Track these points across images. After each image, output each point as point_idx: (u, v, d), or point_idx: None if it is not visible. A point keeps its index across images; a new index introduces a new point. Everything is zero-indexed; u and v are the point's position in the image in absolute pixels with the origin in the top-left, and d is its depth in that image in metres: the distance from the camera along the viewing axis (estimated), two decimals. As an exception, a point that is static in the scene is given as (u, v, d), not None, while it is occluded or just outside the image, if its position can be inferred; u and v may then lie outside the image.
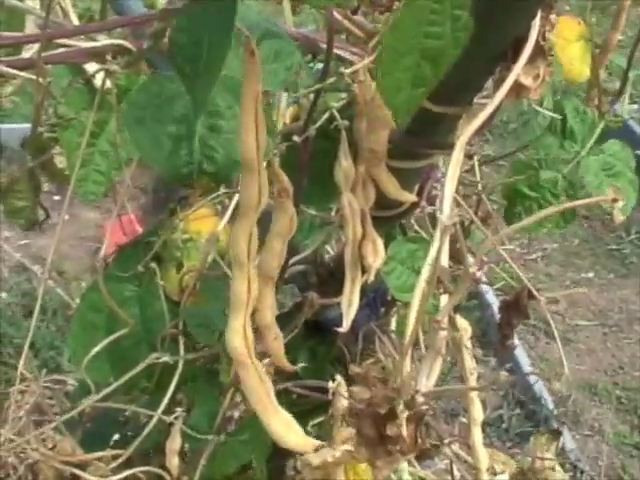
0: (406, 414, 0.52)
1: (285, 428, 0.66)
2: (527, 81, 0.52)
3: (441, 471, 1.21)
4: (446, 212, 0.43)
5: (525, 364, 2.81)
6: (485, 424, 2.80)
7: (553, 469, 1.22)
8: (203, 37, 0.55)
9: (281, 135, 0.77)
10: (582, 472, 2.48)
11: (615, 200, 0.45)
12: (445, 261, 0.48)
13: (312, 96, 0.71)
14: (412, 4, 0.45)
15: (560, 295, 3.02)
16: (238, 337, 0.63)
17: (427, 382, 0.53)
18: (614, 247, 3.51)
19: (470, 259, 0.43)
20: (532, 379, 2.75)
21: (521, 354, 2.83)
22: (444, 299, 0.49)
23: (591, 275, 3.40)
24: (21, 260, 3.13)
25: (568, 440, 2.56)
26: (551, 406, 2.68)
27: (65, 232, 3.31)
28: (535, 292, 0.97)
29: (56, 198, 2.53)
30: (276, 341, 0.76)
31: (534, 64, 0.52)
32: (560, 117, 1.10)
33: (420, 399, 0.52)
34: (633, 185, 1.08)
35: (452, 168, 0.47)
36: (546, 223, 1.07)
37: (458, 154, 0.48)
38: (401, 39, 0.46)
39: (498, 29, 0.54)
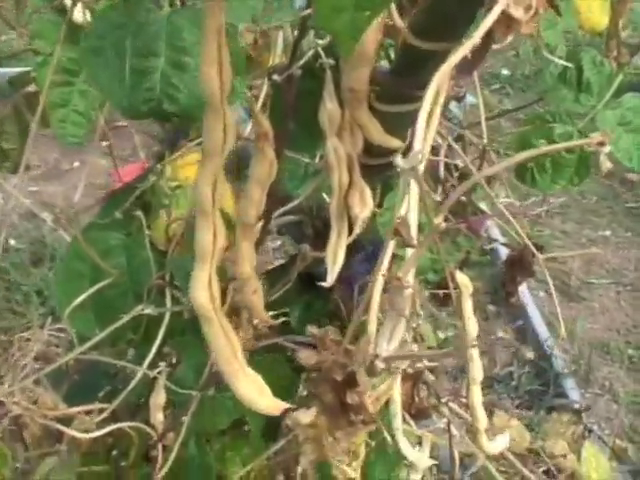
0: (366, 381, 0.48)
1: (253, 390, 0.62)
2: (517, 13, 0.47)
3: (440, 430, 1.17)
4: (417, 150, 0.38)
5: (537, 321, 2.77)
6: (494, 381, 2.80)
7: (565, 456, 1.18)
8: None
9: (267, 75, 0.72)
10: (590, 431, 2.45)
11: (601, 143, 0.40)
12: (414, 213, 0.43)
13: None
14: None
15: (573, 254, 2.98)
16: (203, 291, 0.59)
17: (388, 346, 0.48)
18: (632, 205, 3.46)
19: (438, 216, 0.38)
20: (543, 337, 2.72)
21: (533, 311, 2.79)
22: (409, 253, 0.45)
23: (608, 233, 3.35)
24: (30, 207, 3.10)
25: (578, 399, 2.53)
26: (562, 365, 2.64)
27: (75, 179, 3.28)
28: (535, 250, 0.93)
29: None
30: (255, 295, 0.72)
31: (525, -9, 0.47)
32: (575, 68, 1.04)
33: (380, 365, 0.48)
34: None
35: (426, 103, 0.42)
36: (559, 180, 1.01)
37: (434, 88, 0.43)
38: None
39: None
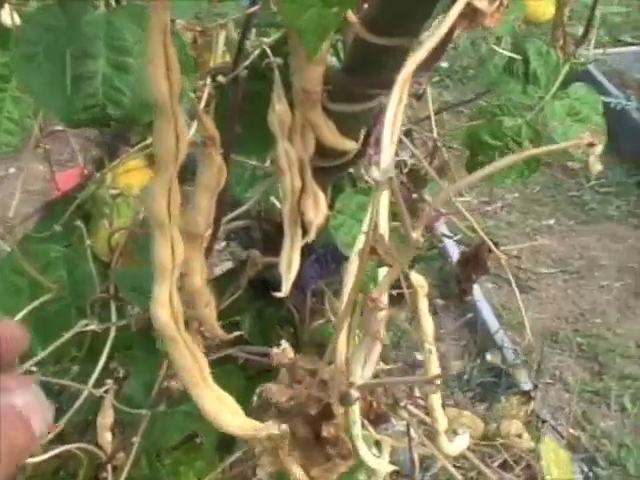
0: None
1: (221, 409, 0.58)
2: (482, 4, 0.44)
3: (399, 433, 1.15)
4: (384, 165, 0.35)
5: (486, 313, 2.76)
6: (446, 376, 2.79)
7: (520, 436, 1.17)
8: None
9: (211, 76, 0.68)
10: (544, 422, 2.45)
11: (592, 144, 0.38)
12: (384, 226, 0.40)
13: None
14: None
15: (521, 246, 2.99)
16: (164, 309, 0.55)
17: (364, 372, 0.45)
18: (574, 194, 3.47)
19: (413, 224, 0.35)
20: (493, 329, 2.71)
21: (482, 303, 2.78)
22: (382, 272, 0.41)
23: (552, 222, 3.36)
24: (-35, 216, 3.02)
25: (529, 388, 2.53)
26: (513, 356, 2.64)
27: (11, 186, 3.19)
28: (494, 247, 0.90)
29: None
30: (208, 308, 0.68)
31: (490, -17, 0.44)
32: (522, 59, 1.02)
33: (355, 394, 0.44)
34: (601, 130, 1.01)
35: (391, 109, 0.39)
36: (510, 173, 0.99)
37: (399, 91, 0.39)
38: None
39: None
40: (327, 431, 0.45)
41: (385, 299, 0.43)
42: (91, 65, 0.58)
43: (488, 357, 2.18)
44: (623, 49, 3.85)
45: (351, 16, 0.54)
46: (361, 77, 0.61)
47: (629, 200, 3.38)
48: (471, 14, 0.44)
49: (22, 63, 0.59)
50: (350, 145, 0.67)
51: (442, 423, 0.94)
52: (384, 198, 0.38)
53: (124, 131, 0.95)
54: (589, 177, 3.50)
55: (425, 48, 0.40)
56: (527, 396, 1.44)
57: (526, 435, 1.35)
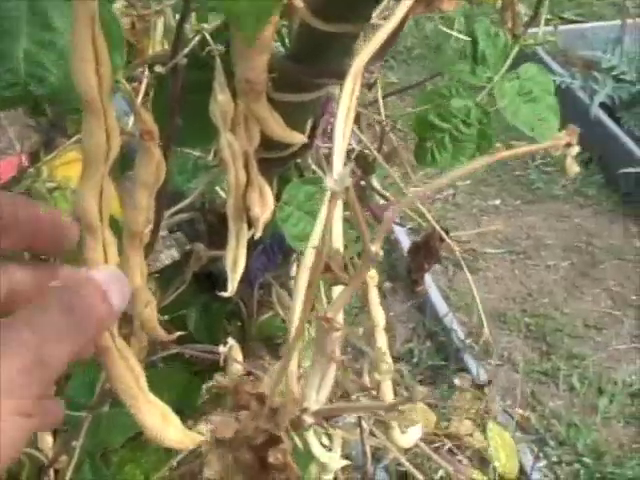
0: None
1: (161, 422, 0.55)
2: (438, -13, 0.41)
3: (350, 425, 1.12)
4: (336, 173, 0.32)
5: (435, 295, 2.75)
6: (395, 359, 2.78)
7: (471, 435, 1.15)
8: None
9: (148, 65, 0.64)
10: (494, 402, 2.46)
11: (569, 144, 0.35)
12: (338, 240, 0.37)
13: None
14: None
15: (472, 232, 2.99)
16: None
17: (318, 397, 0.42)
18: (521, 173, 3.48)
19: (371, 241, 0.32)
20: (442, 311, 2.70)
21: (430, 285, 2.77)
22: (336, 290, 0.39)
23: (498, 202, 3.36)
24: None
25: (480, 372, 2.53)
26: (462, 337, 2.64)
27: (-51, 174, 3.11)
28: (447, 237, 0.88)
29: None
30: (148, 308, 0.65)
31: (446, -34, 0.41)
32: (470, 40, 0.99)
33: (309, 419, 0.42)
34: (553, 110, 0.99)
35: (343, 105, 0.36)
36: (460, 156, 0.97)
37: (351, 85, 0.36)
38: None
39: None
40: (274, 457, 0.42)
41: (340, 318, 0.40)
42: (12, 42, 0.54)
43: (457, 382, 2.15)
44: (567, 27, 3.86)
45: (297, 1, 0.50)
46: (308, 65, 0.57)
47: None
48: (426, -1, 0.42)
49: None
50: (298, 138, 0.64)
51: (393, 417, 0.92)
52: (338, 209, 0.35)
53: (60, 121, 0.91)
54: (534, 156, 3.50)
55: (378, 38, 0.37)
56: (481, 390, 1.43)
57: (477, 434, 1.34)
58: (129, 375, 0.54)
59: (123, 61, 0.52)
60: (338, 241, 0.38)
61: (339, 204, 0.35)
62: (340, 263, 0.35)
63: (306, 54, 0.58)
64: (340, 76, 0.57)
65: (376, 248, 0.32)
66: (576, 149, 0.36)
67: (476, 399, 1.66)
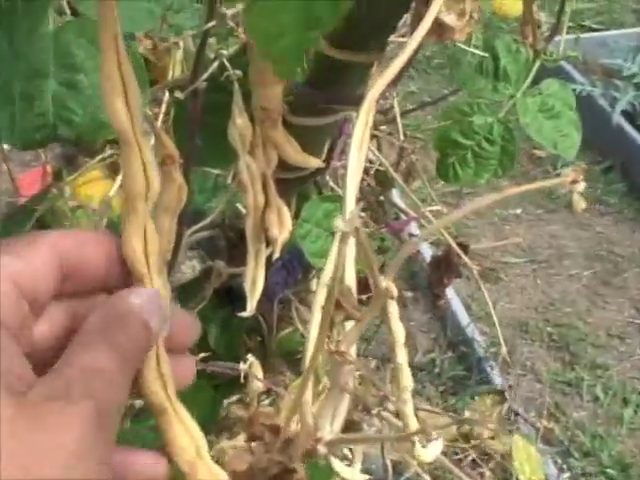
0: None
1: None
2: (450, 19, 0.41)
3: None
4: (348, 211, 0.32)
5: (456, 305, 2.75)
6: (416, 369, 2.77)
7: (493, 438, 1.15)
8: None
9: (169, 89, 0.65)
10: (517, 414, 2.45)
11: (574, 182, 0.36)
12: (351, 277, 0.37)
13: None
14: None
15: (493, 245, 2.98)
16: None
17: (332, 427, 0.43)
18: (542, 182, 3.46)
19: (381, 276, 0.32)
20: (464, 321, 2.70)
21: (452, 296, 2.77)
22: (348, 325, 0.39)
23: (519, 211, 3.35)
24: None
25: (500, 381, 2.52)
26: (484, 347, 2.63)
27: (-26, 186, 3.14)
28: (462, 254, 0.89)
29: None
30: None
31: (458, -3, 0.42)
32: (491, 56, 1.00)
33: (323, 450, 0.42)
34: (575, 125, 0.99)
35: (358, 128, 0.36)
36: (483, 173, 0.97)
37: (366, 110, 0.37)
38: None
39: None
40: (290, 486, 0.42)
41: (353, 351, 0.41)
42: (40, 84, 0.55)
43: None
44: (587, 35, 3.85)
45: (313, 31, 0.51)
46: (324, 91, 0.58)
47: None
48: (439, 30, 0.42)
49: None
50: (314, 162, 0.65)
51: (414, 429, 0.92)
52: (350, 247, 0.35)
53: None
54: (555, 165, 3.49)
55: (392, 70, 0.37)
56: (501, 396, 1.43)
57: (498, 439, 1.34)
58: (187, 440, 0.51)
59: (146, 99, 0.53)
60: (350, 278, 0.39)
61: (351, 245, 0.36)
62: (352, 300, 0.35)
63: (322, 80, 0.59)
64: (355, 101, 0.58)
65: (387, 284, 0.32)
66: (582, 186, 0.36)
67: (496, 405, 1.66)
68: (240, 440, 0.84)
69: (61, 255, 0.47)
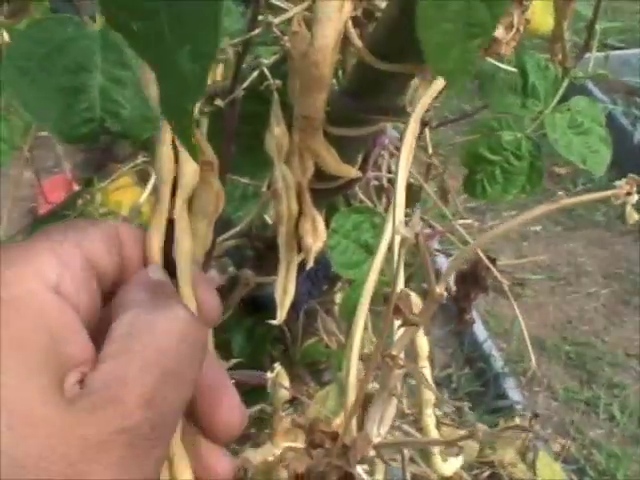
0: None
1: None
2: (498, 32, 0.41)
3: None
4: (398, 218, 0.32)
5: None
6: (434, 384, 2.76)
7: (515, 465, 1.15)
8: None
9: (208, 98, 0.65)
10: (537, 437, 2.44)
11: (629, 193, 0.36)
12: (400, 284, 0.37)
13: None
14: None
15: (519, 262, 2.97)
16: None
17: (379, 430, 0.43)
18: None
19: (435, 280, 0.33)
20: (481, 336, 2.69)
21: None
22: (400, 330, 0.39)
23: (538, 228, 3.35)
24: (-52, 222, 2.97)
25: (518, 399, 2.52)
26: (500, 364, 2.63)
27: (-3, 192, 3.16)
28: (492, 266, 0.89)
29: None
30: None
31: (506, 10, 0.41)
32: (520, 73, 1.00)
33: (371, 452, 0.42)
34: (604, 142, 0.99)
35: (406, 142, 0.36)
36: (511, 189, 0.97)
37: (414, 123, 0.37)
38: None
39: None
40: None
41: (402, 357, 0.41)
42: (87, 78, 0.56)
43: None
44: (610, 53, 3.84)
45: (357, 42, 0.51)
46: (365, 102, 0.58)
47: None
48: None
49: (15, 78, 0.56)
50: (353, 172, 0.65)
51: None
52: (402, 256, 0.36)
53: (112, 147, 0.93)
54: (576, 182, 3.49)
55: (440, 83, 0.38)
56: (526, 421, 1.42)
57: (521, 465, 1.33)
58: None
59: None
60: (402, 283, 0.39)
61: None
62: (410, 305, 0.36)
63: (362, 90, 0.59)
64: (393, 112, 0.59)
65: (440, 290, 0.33)
66: (635, 197, 0.36)
67: (520, 431, 1.64)
68: (267, 450, 0.85)
69: (121, 244, 0.45)
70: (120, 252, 0.45)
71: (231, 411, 0.45)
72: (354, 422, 0.42)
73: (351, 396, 0.42)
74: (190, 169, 0.49)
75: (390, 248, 0.39)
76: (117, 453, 0.36)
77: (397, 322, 0.37)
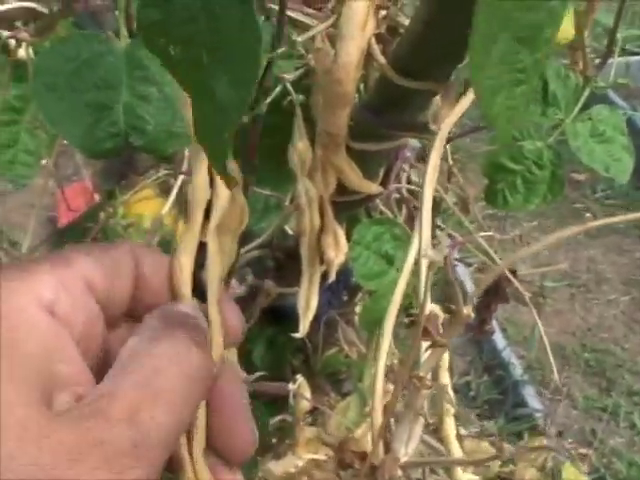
0: None
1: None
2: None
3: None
4: (424, 238, 0.33)
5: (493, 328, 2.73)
6: (452, 391, 2.75)
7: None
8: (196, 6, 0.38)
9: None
10: (551, 437, 2.43)
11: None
12: (427, 305, 0.38)
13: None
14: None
15: (540, 270, 2.96)
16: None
17: (407, 449, 0.43)
18: (580, 206, 3.45)
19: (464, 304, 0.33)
20: (499, 344, 2.69)
21: (488, 318, 2.75)
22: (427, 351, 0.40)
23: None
24: (-32, 230, 3.00)
25: (536, 404, 2.51)
26: (519, 372, 2.62)
27: (16, 200, 3.17)
28: (513, 278, 0.89)
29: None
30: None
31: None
32: (540, 81, 1.00)
33: (398, 472, 0.42)
34: (627, 150, 0.99)
35: (432, 164, 0.37)
36: (533, 198, 0.97)
37: (439, 145, 0.37)
38: (489, 21, 0.31)
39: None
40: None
41: (429, 378, 0.41)
42: (113, 95, 0.57)
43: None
44: (629, 58, 3.83)
45: (381, 59, 0.52)
46: (387, 117, 0.59)
47: (635, 212, 3.35)
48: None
49: (43, 93, 0.57)
50: (375, 188, 0.65)
51: (457, 454, 0.92)
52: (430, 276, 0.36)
53: (133, 159, 0.93)
54: (595, 189, 3.48)
55: (466, 101, 0.38)
56: (549, 437, 1.42)
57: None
58: None
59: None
60: (430, 304, 0.39)
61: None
62: (437, 326, 0.36)
63: (384, 106, 0.59)
64: (415, 128, 0.59)
65: (468, 311, 0.33)
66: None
67: (542, 449, 1.64)
68: (289, 461, 0.85)
69: (138, 268, 0.45)
70: (134, 275, 0.45)
71: (244, 435, 0.45)
72: (396, 444, 0.42)
73: (378, 418, 0.42)
74: (225, 193, 0.49)
75: (415, 263, 0.39)
76: (91, 464, 0.35)
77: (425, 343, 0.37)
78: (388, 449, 0.43)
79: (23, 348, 0.37)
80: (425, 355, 0.40)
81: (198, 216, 0.48)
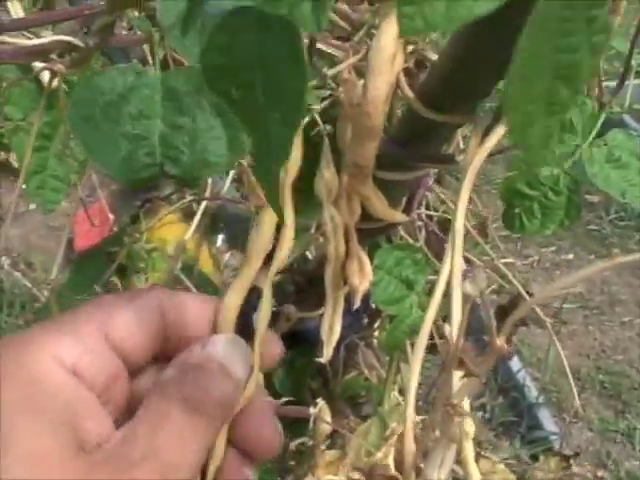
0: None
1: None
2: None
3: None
4: (456, 270, 0.34)
5: (507, 350, 2.72)
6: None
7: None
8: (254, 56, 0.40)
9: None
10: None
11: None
12: (461, 337, 0.39)
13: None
14: (539, 19, 0.33)
15: (554, 294, 2.96)
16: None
17: (440, 475, 0.44)
18: (594, 227, 3.45)
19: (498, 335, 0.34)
20: (514, 366, 2.69)
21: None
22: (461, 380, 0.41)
23: (571, 257, 3.34)
24: (-14, 251, 3.02)
25: (552, 427, 2.50)
26: (535, 394, 2.61)
27: (33, 221, 3.20)
28: (526, 295, 0.90)
29: (25, 187, 2.42)
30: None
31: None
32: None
33: None
34: (643, 175, 1.00)
35: (462, 200, 0.38)
36: (549, 223, 0.98)
37: (469, 180, 0.38)
38: (530, 63, 0.33)
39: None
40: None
41: (465, 406, 0.42)
42: (148, 125, 0.59)
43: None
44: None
45: (409, 92, 0.53)
46: (413, 149, 0.60)
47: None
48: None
49: (80, 125, 0.59)
50: (400, 217, 0.66)
51: (475, 477, 0.93)
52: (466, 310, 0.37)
53: (156, 184, 0.95)
54: (608, 210, 3.48)
55: (496, 135, 0.39)
56: (566, 460, 1.42)
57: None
58: None
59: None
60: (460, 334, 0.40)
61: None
62: (471, 357, 0.37)
63: (410, 138, 0.60)
64: (442, 161, 0.60)
65: (501, 342, 0.34)
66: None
67: (560, 470, 1.64)
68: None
69: (164, 315, 0.47)
70: (160, 325, 0.47)
71: (270, 433, 0.49)
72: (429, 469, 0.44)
73: (411, 444, 0.43)
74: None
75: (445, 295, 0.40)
76: None
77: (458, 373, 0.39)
78: (418, 474, 0.44)
79: (54, 410, 0.41)
80: (457, 384, 0.41)
81: (257, 262, 0.51)
